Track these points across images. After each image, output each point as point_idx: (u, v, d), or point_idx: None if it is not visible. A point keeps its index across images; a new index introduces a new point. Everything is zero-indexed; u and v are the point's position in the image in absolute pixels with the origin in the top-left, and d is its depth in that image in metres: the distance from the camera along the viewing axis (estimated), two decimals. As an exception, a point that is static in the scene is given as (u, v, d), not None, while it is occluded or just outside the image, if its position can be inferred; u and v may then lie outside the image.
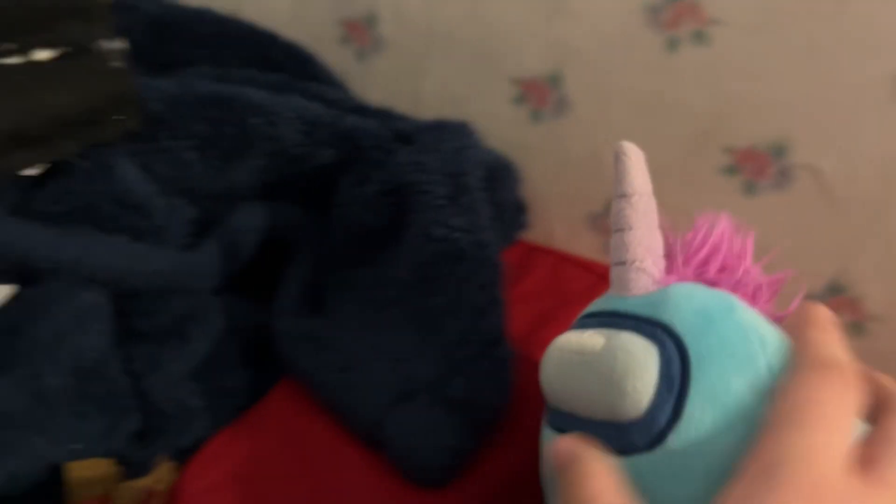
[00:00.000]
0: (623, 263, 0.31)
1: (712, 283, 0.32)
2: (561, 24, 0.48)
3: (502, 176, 0.49)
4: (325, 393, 0.41)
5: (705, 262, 0.32)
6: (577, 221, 0.53)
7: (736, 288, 0.32)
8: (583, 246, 0.53)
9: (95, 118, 0.42)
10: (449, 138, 0.44)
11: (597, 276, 0.48)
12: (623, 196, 0.31)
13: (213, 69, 0.52)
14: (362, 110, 0.51)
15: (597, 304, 0.33)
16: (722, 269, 0.33)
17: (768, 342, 0.28)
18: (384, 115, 0.51)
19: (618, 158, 0.31)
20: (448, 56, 0.53)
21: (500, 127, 0.51)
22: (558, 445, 0.29)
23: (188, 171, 0.45)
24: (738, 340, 0.28)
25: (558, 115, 0.51)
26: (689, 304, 0.29)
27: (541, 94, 0.50)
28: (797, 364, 0.27)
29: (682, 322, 0.29)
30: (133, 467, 0.37)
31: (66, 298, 0.38)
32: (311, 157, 0.46)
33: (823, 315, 0.29)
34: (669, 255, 0.32)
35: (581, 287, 0.48)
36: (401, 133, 0.47)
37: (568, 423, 0.31)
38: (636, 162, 0.32)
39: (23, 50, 0.41)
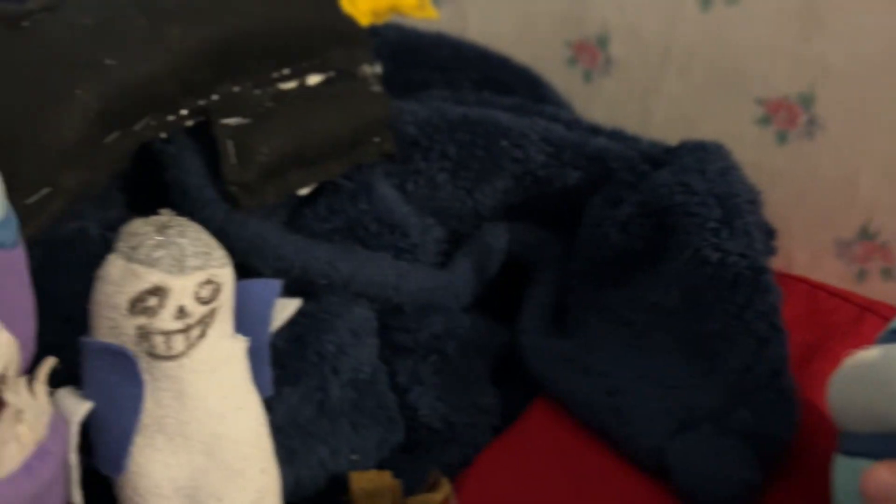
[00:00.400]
0: None
1: None
2: (817, 42, 0.46)
3: (755, 199, 0.47)
4: (592, 416, 0.40)
5: None
6: (822, 248, 0.50)
7: None
8: (826, 274, 0.50)
9: (358, 140, 0.44)
10: (712, 159, 0.43)
11: (859, 308, 0.46)
12: None
13: (449, 92, 0.53)
14: (597, 131, 0.51)
15: None
16: None
17: None
18: (619, 136, 0.50)
19: None
20: (684, 75, 0.52)
21: (741, 148, 0.49)
22: (874, 474, 0.28)
23: (439, 191, 0.46)
24: None
25: (808, 136, 0.49)
26: None
27: (790, 115, 0.49)
28: None
29: None
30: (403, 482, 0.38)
31: (344, 313, 0.39)
32: (557, 179, 0.47)
33: None
34: None
35: (843, 319, 0.45)
36: (647, 155, 0.47)
37: (858, 443, 0.30)
38: None
39: (298, 75, 0.43)
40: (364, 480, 0.36)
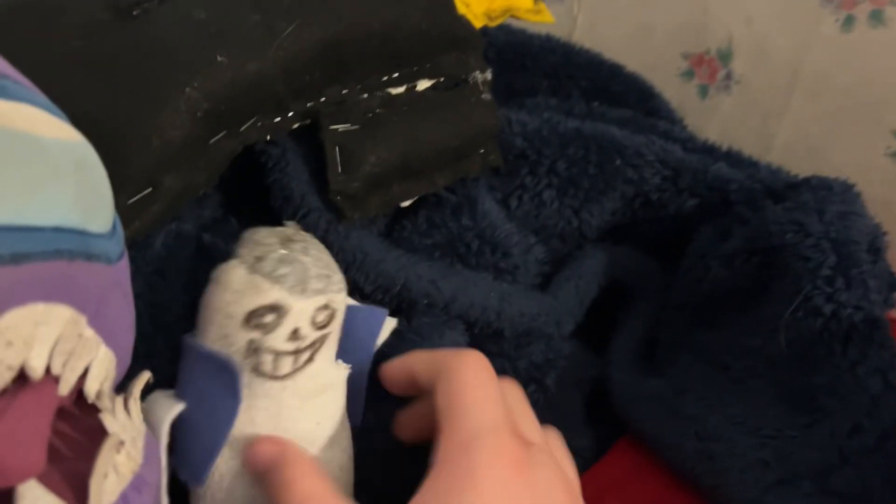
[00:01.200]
0: None
1: None
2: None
3: (879, 246, 0.44)
4: (681, 461, 0.38)
5: None
6: (951, 297, 0.46)
7: None
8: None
9: (464, 151, 0.42)
10: (834, 200, 0.40)
11: None
12: None
13: (556, 100, 0.50)
14: (711, 152, 0.47)
15: None
16: None
17: None
18: (736, 159, 0.47)
19: None
20: (813, 100, 0.48)
21: (870, 183, 0.46)
22: (258, 447, 0.30)
23: (544, 209, 0.44)
24: None
25: (951, 175, 0.45)
26: None
27: (931, 152, 0.45)
28: None
29: None
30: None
31: (434, 337, 0.37)
32: (671, 204, 0.44)
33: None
34: None
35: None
36: (769, 188, 0.43)
37: None
38: None
39: (408, 80, 0.41)
40: None
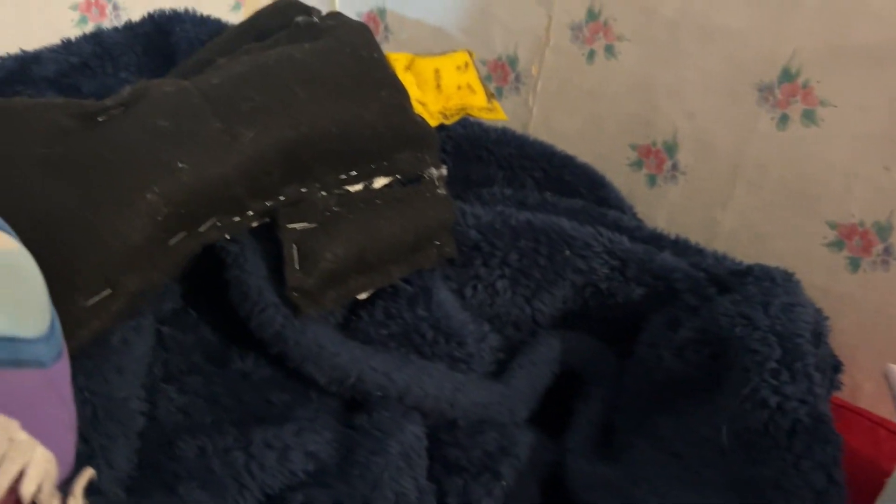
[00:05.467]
0: None
1: None
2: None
3: (821, 331, 0.45)
4: None
5: None
6: (891, 380, 0.48)
7: None
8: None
9: (420, 244, 0.43)
10: (778, 292, 0.42)
11: (924, 449, 0.44)
12: None
13: (511, 190, 0.52)
14: (659, 240, 0.49)
15: None
16: None
17: None
18: (683, 247, 0.49)
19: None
20: (754, 190, 0.51)
21: (810, 270, 0.48)
22: None
23: (498, 298, 0.45)
24: None
25: (884, 265, 0.47)
26: None
27: (864, 242, 0.47)
28: None
29: None
30: None
31: (396, 432, 0.38)
32: (620, 293, 0.45)
33: None
34: None
35: (905, 462, 0.43)
36: (714, 276, 0.45)
37: None
38: None
39: (365, 177, 0.43)
40: None
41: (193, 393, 0.38)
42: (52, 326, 0.27)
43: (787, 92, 0.48)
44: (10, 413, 0.25)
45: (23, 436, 0.26)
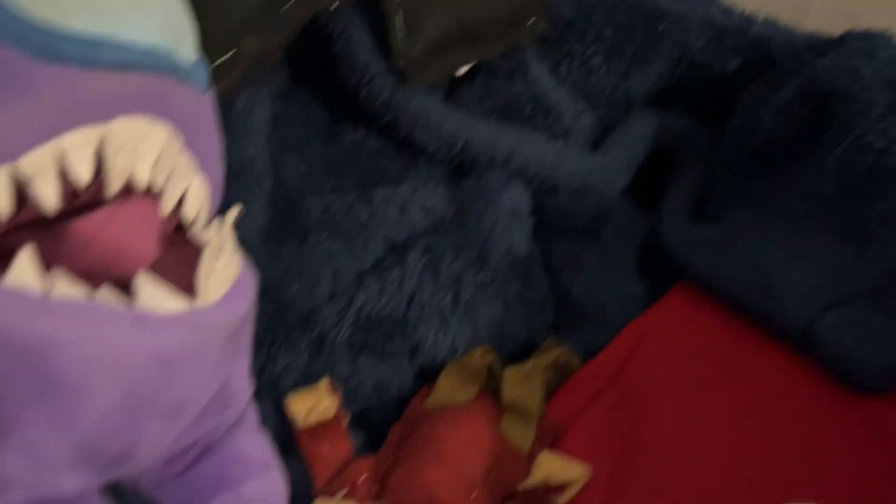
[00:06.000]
0: None
1: None
2: None
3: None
4: (739, 293, 0.40)
5: None
6: None
7: None
8: None
9: (516, 20, 0.44)
10: (882, 45, 0.41)
11: None
12: None
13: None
14: (751, 20, 0.49)
15: None
16: None
17: None
18: (772, 26, 0.48)
19: None
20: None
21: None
22: None
23: (592, 75, 0.46)
24: None
25: None
26: None
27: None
28: None
29: None
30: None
31: (503, 190, 0.40)
32: (715, 65, 0.45)
33: None
34: None
35: None
36: (810, 43, 0.45)
37: None
38: None
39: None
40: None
41: (312, 160, 0.40)
42: (199, 57, 0.29)
43: None
44: (177, 128, 0.26)
45: (186, 157, 0.28)
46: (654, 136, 0.47)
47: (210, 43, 0.35)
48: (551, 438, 0.34)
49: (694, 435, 0.34)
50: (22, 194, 0.22)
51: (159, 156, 0.26)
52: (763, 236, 0.41)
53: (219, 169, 0.31)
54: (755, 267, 0.40)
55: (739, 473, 0.34)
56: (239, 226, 0.35)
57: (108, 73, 0.23)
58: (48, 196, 0.22)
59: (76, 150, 0.23)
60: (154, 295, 0.24)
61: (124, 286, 0.23)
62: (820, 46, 0.44)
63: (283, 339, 0.36)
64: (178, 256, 0.28)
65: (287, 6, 0.38)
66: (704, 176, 0.47)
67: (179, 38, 0.27)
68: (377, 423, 0.36)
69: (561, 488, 0.30)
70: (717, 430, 0.35)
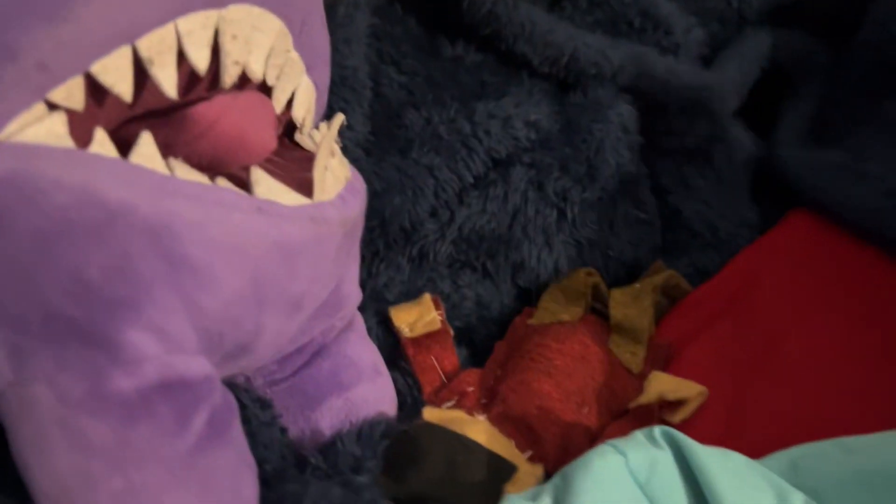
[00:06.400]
0: None
1: None
2: None
3: None
4: (867, 218, 0.37)
5: None
6: None
7: None
8: None
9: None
10: None
11: None
12: None
13: None
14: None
15: None
16: None
17: None
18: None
19: None
20: None
21: None
22: None
23: (705, -11, 0.43)
24: None
25: None
26: None
27: None
28: None
29: None
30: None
31: (613, 105, 0.38)
32: (841, -24, 0.42)
33: None
34: None
35: None
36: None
37: None
38: None
39: None
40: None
41: (412, 73, 0.38)
42: None
43: None
44: (288, 23, 0.25)
45: (295, 55, 0.27)
46: (770, 55, 0.44)
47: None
48: (663, 360, 0.33)
49: (817, 360, 0.32)
50: (140, 81, 0.22)
51: (271, 49, 0.25)
52: (894, 159, 0.38)
53: (326, 72, 0.30)
54: (885, 192, 0.37)
55: (862, 398, 0.32)
56: (341, 136, 0.34)
57: (223, -44, 0.22)
58: (168, 80, 0.22)
59: (194, 36, 0.22)
60: (272, 188, 0.23)
61: (240, 181, 0.23)
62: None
63: (385, 252, 0.35)
64: (290, 156, 0.28)
65: None
66: (826, 97, 0.44)
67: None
68: (479, 339, 0.35)
69: (675, 406, 0.29)
70: (840, 356, 0.33)
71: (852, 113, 0.42)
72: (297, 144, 0.28)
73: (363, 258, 0.34)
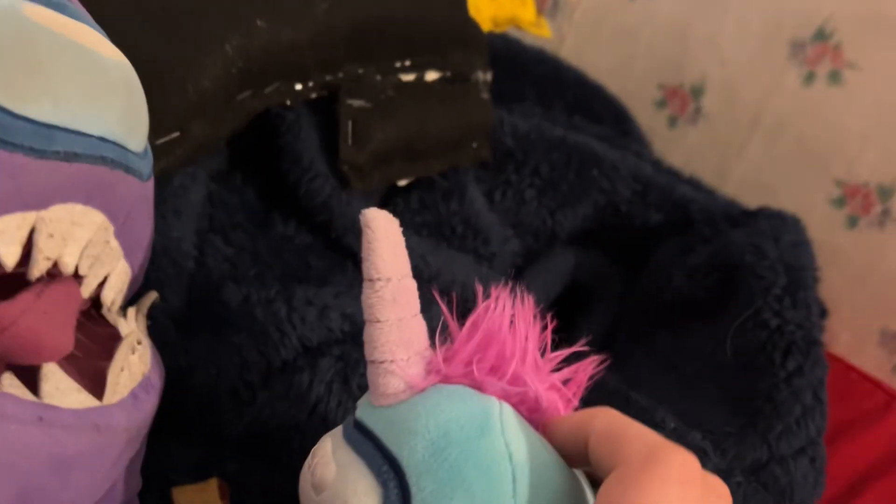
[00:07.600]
0: (373, 363, 0.26)
1: (480, 387, 0.26)
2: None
3: (816, 279, 0.49)
4: None
5: (473, 360, 0.27)
6: (867, 334, 0.52)
7: (507, 395, 0.26)
8: (866, 360, 0.52)
9: (460, 142, 0.45)
10: (788, 230, 0.45)
11: (889, 397, 0.48)
12: (369, 281, 0.27)
13: (541, 110, 0.54)
14: (676, 176, 0.52)
15: (362, 410, 0.27)
16: (494, 369, 0.27)
17: (522, 473, 0.23)
18: (696, 186, 0.52)
19: (364, 232, 0.27)
20: (770, 142, 0.53)
21: (810, 224, 0.51)
22: None
23: (524, 206, 0.48)
24: (480, 474, 0.23)
25: (879, 226, 0.50)
26: (429, 424, 0.24)
27: (865, 202, 0.50)
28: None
29: (411, 454, 0.24)
30: None
31: (427, 309, 0.40)
32: (638, 217, 0.48)
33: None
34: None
35: (871, 406, 0.47)
36: (727, 213, 0.48)
37: None
38: (386, 237, 0.28)
39: (418, 69, 0.44)
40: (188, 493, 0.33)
41: (239, 246, 0.39)
42: (146, 146, 0.29)
43: (818, 51, 0.50)
44: (111, 217, 0.26)
45: (115, 243, 0.27)
46: (573, 272, 0.49)
47: (156, 121, 0.35)
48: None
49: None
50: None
51: (88, 242, 0.25)
52: (659, 393, 0.43)
53: (145, 253, 0.30)
54: (647, 424, 0.42)
55: None
56: (154, 308, 0.34)
57: (55, 163, 0.22)
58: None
59: (6, 235, 0.22)
60: (60, 386, 0.23)
61: (29, 372, 0.23)
62: (735, 217, 0.48)
63: (178, 430, 0.35)
64: (93, 332, 0.28)
65: (242, 96, 0.38)
66: (613, 319, 0.49)
67: (133, 129, 0.27)
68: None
69: None
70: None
71: (631, 338, 0.47)
72: (104, 318, 0.29)
73: (153, 433, 0.34)
